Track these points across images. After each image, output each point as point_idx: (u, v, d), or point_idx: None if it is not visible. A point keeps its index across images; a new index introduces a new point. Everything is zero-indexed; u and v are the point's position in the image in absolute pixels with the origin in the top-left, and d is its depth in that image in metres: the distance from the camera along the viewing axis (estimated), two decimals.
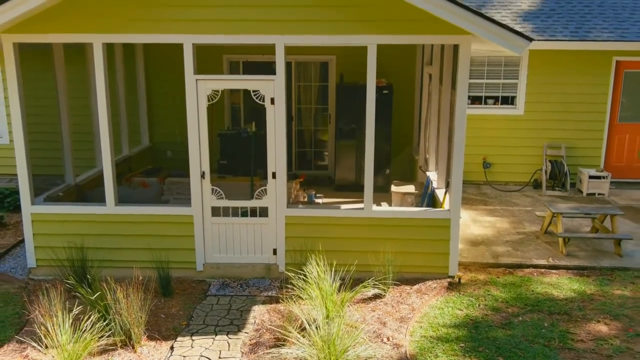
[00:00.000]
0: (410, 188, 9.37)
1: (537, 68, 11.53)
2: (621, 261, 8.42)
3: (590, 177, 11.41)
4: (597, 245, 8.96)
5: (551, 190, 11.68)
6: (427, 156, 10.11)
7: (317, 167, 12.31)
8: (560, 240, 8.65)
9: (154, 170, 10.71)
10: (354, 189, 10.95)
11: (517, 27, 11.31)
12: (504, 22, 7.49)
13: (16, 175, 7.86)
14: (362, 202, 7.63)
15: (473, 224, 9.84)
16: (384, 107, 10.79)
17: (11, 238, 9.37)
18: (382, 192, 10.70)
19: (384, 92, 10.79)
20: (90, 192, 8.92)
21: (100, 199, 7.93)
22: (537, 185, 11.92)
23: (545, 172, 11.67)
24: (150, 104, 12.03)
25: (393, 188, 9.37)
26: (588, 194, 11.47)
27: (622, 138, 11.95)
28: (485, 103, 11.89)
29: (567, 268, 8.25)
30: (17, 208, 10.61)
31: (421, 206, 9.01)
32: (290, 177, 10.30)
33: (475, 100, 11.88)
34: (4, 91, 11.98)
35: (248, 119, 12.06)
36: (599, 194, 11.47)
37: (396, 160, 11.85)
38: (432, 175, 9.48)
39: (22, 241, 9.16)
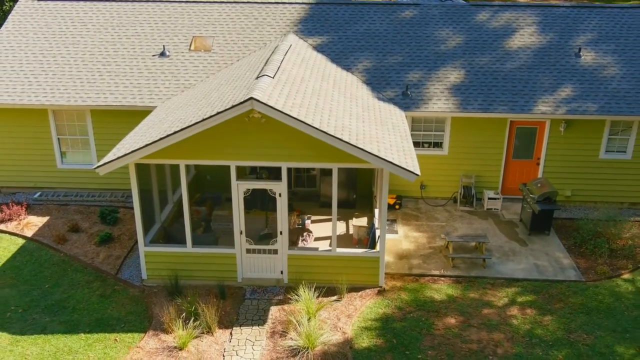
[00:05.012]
0: (364, 221, 15.27)
1: (457, 125, 17.09)
2: (483, 272, 14.45)
3: (489, 197, 17.27)
4: (475, 260, 14.96)
5: (463, 206, 17.59)
6: (377, 195, 15.91)
7: (308, 185, 18.14)
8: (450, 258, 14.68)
9: (201, 199, 16.54)
10: None
11: (444, 100, 16.79)
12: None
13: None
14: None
15: (404, 240, 15.81)
16: None
17: (119, 250, 15.33)
18: (351, 209, 16.65)
19: None
20: (170, 228, 14.88)
21: (176, 234, 13.92)
22: (455, 201, 17.81)
23: (460, 194, 17.51)
24: None
25: (353, 221, 15.27)
26: (487, 209, 17.38)
27: (515, 170, 17.71)
28: (422, 146, 17.52)
29: (450, 277, 14.30)
30: (116, 222, 16.49)
31: (370, 235, 14.95)
32: (291, 207, 16.20)
33: (416, 144, 17.50)
34: (94, 135, 17.59)
35: None
36: (494, 209, 17.38)
37: (360, 190, 17.66)
38: (377, 212, 15.34)
39: (129, 252, 15.15)
